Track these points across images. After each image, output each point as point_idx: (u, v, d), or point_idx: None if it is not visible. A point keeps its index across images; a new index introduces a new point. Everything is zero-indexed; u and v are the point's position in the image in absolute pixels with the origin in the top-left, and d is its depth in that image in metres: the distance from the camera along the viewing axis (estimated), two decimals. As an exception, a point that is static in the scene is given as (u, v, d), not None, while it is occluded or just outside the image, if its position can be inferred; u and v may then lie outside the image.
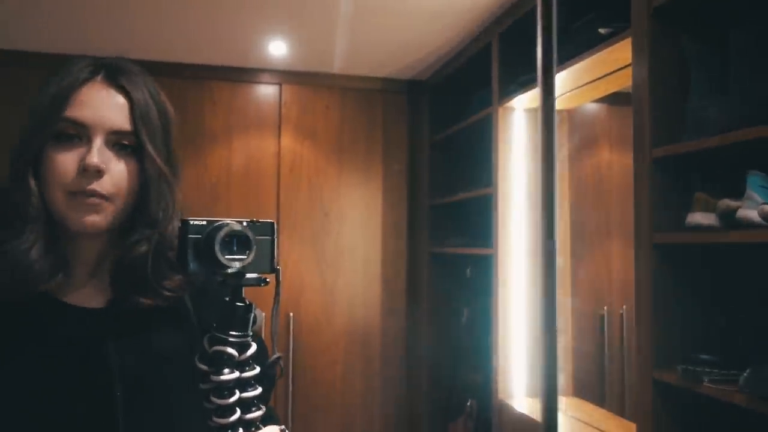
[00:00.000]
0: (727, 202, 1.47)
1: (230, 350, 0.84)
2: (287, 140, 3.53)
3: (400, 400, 3.61)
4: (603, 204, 2.71)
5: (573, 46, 2.08)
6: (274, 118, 3.52)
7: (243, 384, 0.85)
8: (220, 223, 0.84)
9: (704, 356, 1.56)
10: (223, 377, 0.83)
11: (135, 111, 0.89)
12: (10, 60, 3.16)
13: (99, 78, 0.89)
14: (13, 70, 3.14)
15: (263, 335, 0.97)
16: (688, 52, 1.66)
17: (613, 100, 2.49)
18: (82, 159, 0.85)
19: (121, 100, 0.89)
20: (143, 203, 0.90)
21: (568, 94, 2.41)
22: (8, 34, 2.96)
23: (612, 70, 2.14)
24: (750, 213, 1.39)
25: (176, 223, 0.90)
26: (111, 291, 0.91)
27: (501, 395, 2.67)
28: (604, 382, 2.64)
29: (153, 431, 0.89)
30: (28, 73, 3.06)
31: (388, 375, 3.60)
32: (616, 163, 2.69)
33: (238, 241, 0.84)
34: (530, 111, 2.74)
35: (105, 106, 0.88)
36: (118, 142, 0.89)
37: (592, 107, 2.69)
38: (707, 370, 1.51)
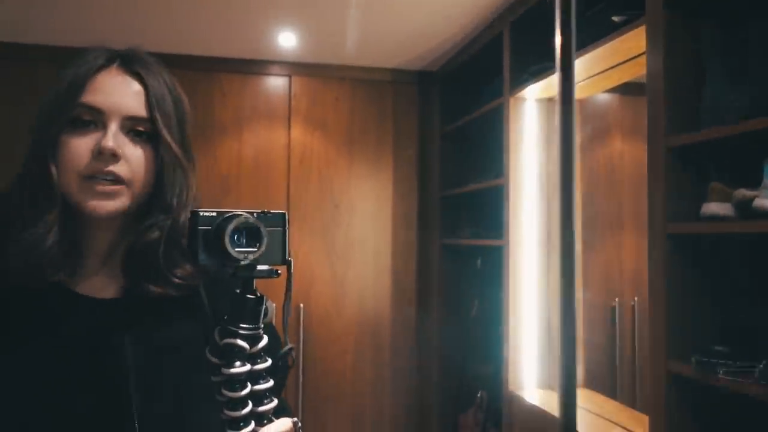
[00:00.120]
0: (743, 192, 1.45)
1: (241, 343, 0.83)
2: (297, 132, 3.52)
3: (410, 391, 3.62)
4: (615, 195, 2.69)
5: (586, 35, 2.05)
6: (283, 109, 3.51)
7: (255, 376, 0.84)
8: (230, 214, 0.83)
9: (718, 347, 1.54)
10: (234, 370, 0.82)
11: (150, 98, 0.89)
12: (20, 53, 3.17)
13: (115, 65, 0.90)
14: (24, 63, 3.16)
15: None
16: (704, 40, 1.64)
17: (625, 90, 2.47)
18: (98, 143, 0.85)
19: (136, 86, 0.90)
20: (158, 190, 0.90)
21: (580, 83, 2.38)
22: (19, 26, 2.96)
23: (625, 59, 2.11)
24: (767, 202, 1.37)
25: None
26: (122, 279, 0.91)
27: (511, 386, 2.67)
28: (616, 374, 2.62)
29: (166, 422, 0.88)
30: (38, 66, 3.08)
31: (399, 366, 3.60)
32: (628, 153, 2.66)
33: (248, 233, 0.83)
34: (542, 101, 2.72)
35: (120, 93, 0.88)
36: (133, 129, 0.89)
37: (604, 97, 2.66)
38: (722, 361, 1.50)
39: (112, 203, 0.87)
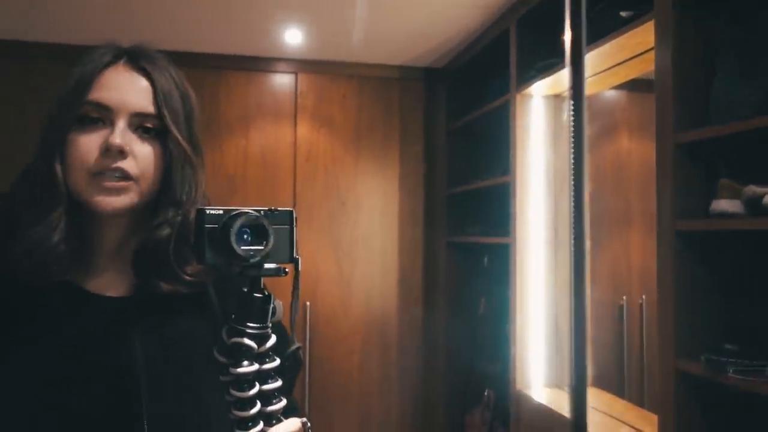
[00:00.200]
0: (753, 189, 1.44)
1: (249, 342, 0.82)
2: (303, 129, 3.51)
3: (416, 390, 3.61)
4: (622, 192, 2.68)
5: (593, 31, 2.04)
6: (290, 107, 3.51)
7: (263, 376, 0.84)
8: (237, 212, 0.82)
9: (728, 346, 1.53)
10: (241, 369, 0.81)
11: (158, 94, 0.89)
12: (20, 51, 3.17)
13: (122, 62, 0.90)
14: (24, 60, 3.16)
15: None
16: (715, 35, 1.62)
17: (632, 86, 2.45)
18: (105, 140, 0.85)
19: (144, 83, 0.89)
20: (167, 186, 0.90)
21: (587, 80, 2.36)
22: (24, 24, 2.96)
23: (632, 55, 2.09)
24: (777, 200, 1.36)
25: None
26: (132, 277, 0.90)
27: (519, 385, 2.66)
28: (624, 372, 2.61)
29: (176, 421, 0.88)
30: (38, 64, 3.08)
31: (405, 365, 3.60)
32: (636, 150, 2.65)
33: (255, 231, 0.82)
34: (548, 98, 2.70)
35: (128, 89, 0.88)
36: (141, 125, 0.88)
37: (611, 94, 2.65)
38: (732, 360, 1.48)
39: (120, 199, 0.86)
